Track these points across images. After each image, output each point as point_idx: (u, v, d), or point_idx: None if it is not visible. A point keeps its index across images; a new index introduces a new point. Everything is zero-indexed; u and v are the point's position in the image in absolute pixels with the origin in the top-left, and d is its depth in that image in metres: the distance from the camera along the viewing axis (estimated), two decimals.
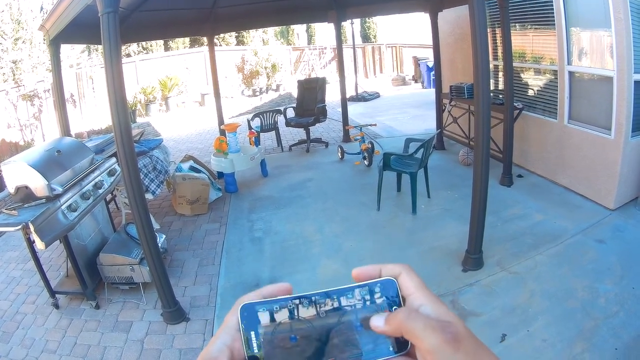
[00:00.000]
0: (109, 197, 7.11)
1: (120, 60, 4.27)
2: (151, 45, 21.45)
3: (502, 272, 5.06)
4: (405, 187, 7.20)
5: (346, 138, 11.25)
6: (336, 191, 7.86)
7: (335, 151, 9.86)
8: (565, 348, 3.85)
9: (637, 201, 6.64)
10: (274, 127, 10.93)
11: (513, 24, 8.03)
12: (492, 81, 9.15)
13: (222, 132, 9.36)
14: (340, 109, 11.81)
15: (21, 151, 12.82)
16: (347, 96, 11.95)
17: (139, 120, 16.61)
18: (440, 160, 9.04)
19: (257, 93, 21.06)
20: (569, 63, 7.15)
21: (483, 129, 4.89)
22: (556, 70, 7.42)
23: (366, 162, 8.90)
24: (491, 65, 9.03)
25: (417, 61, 24.48)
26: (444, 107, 9.95)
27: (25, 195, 4.63)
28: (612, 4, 6.22)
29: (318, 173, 8.89)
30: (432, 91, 20.51)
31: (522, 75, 8.39)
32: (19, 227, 4.21)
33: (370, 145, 8.97)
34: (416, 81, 24.63)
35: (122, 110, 4.25)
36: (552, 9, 7.27)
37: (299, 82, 11.62)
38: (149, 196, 6.71)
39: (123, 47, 19.30)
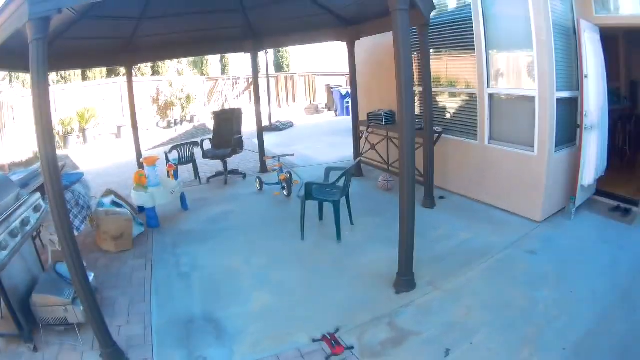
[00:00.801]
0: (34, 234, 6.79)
1: (48, 89, 4.15)
2: (69, 75, 20.78)
3: (436, 291, 5.12)
4: (327, 216, 7.22)
5: (264, 169, 11.25)
6: (258, 222, 7.77)
7: (254, 182, 9.77)
8: (513, 354, 3.94)
9: (564, 212, 7.01)
10: (192, 160, 10.79)
11: (433, 49, 8.29)
12: (418, 107, 9.37)
13: (141, 165, 9.11)
14: (255, 140, 11.83)
15: None
16: (262, 126, 11.89)
17: (57, 152, 15.88)
18: (360, 187, 9.14)
19: (172, 125, 20.76)
20: (489, 86, 7.48)
21: (407, 152, 5.01)
22: (475, 93, 7.73)
23: (285, 192, 8.86)
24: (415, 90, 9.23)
25: (330, 89, 24.78)
26: (360, 135, 10.03)
27: None
28: (535, 26, 6.56)
29: (238, 205, 8.79)
30: (345, 119, 20.98)
31: (441, 99, 8.69)
32: None
33: (288, 175, 8.97)
34: (329, 109, 24.93)
35: (49, 141, 4.16)
36: (472, 33, 7.58)
37: (215, 113, 11.54)
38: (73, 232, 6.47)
39: None
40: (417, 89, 8.52)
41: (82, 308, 4.58)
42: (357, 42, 9.75)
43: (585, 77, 6.76)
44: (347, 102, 22.39)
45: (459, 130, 8.25)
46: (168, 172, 8.81)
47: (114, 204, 7.67)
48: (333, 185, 6.71)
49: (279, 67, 30.10)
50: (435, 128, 8.09)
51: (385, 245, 5.93)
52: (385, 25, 8.23)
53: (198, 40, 10.72)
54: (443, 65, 8.59)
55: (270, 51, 25.67)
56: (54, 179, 4.12)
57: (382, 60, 9.93)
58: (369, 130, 9.78)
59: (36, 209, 5.45)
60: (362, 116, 10.09)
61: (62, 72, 19.96)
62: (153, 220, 7.93)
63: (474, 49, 7.56)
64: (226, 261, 6.38)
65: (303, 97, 26.41)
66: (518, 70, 7.22)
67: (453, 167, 8.35)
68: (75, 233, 6.45)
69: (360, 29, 9.38)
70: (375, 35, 9.26)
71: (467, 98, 8.06)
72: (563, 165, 7.06)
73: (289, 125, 20.30)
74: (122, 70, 22.14)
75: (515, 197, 7.19)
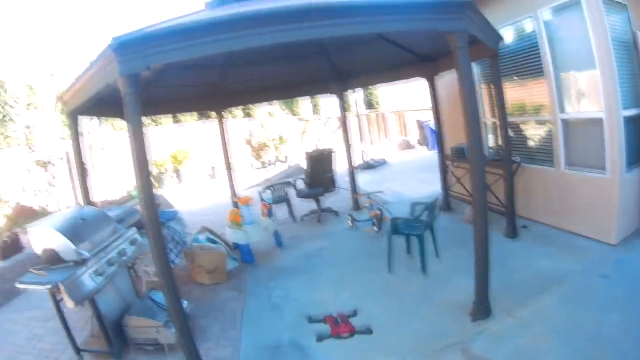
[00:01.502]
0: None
1: (143, 135, 4.72)
2: (160, 117, 21.91)
3: (510, 318, 5.27)
4: (414, 249, 7.43)
5: (355, 206, 11.57)
6: (349, 257, 8.10)
7: (346, 219, 10.15)
8: None
9: (638, 232, 6.99)
10: (285, 199, 11.29)
11: (506, 77, 8.41)
12: (492, 137, 9.52)
13: (235, 205, 9.64)
14: (347, 178, 12.18)
15: (37, 215, 13.33)
16: (355, 164, 12.34)
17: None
18: (447, 220, 9.31)
19: (266, 165, 21.56)
20: (562, 111, 7.55)
21: (479, 184, 5.30)
22: (550, 120, 7.80)
23: (376, 229, 9.15)
24: (489, 122, 9.41)
25: (420, 124, 24.89)
26: (447, 169, 10.27)
27: (51, 258, 4.99)
28: (595, 45, 6.64)
29: (331, 241, 9.14)
30: (436, 153, 21.01)
31: (518, 128, 8.77)
32: (50, 286, 4.60)
33: (379, 212, 9.26)
34: (421, 144, 24.98)
35: (146, 182, 4.72)
36: (540, 59, 7.71)
37: (307, 154, 11.99)
38: None
39: None
40: (492, 120, 8.71)
41: (173, 330, 5.07)
42: (438, 77, 10.06)
43: None
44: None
45: (538, 158, 8.32)
46: (262, 210, 9.29)
47: (209, 240, 8.23)
48: (417, 219, 7.00)
49: (369, 105, 30.56)
50: (513, 158, 8.20)
51: (467, 276, 6.02)
52: None
53: (284, 84, 11.34)
54: (516, 93, 8.71)
55: (360, 90, 26.13)
56: (152, 215, 4.67)
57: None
58: (454, 164, 10.00)
59: (132, 242, 6.11)
60: (448, 150, 10.35)
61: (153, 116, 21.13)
62: (247, 256, 8.40)
63: (543, 74, 7.68)
64: (316, 294, 6.73)
65: (395, 133, 26.71)
66: (585, 92, 7.27)
67: (535, 195, 8.38)
68: (172, 266, 7.00)
69: (438, 65, 9.67)
70: (454, 70, 9.50)
71: (542, 125, 8.15)
72: (636, 185, 7.06)
73: (381, 162, 20.52)
74: (213, 113, 23.24)
75: (591, 222, 7.19)
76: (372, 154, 21.95)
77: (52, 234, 5.00)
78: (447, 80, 10.32)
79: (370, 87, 29.49)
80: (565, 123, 7.54)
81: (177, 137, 20.30)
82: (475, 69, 9.58)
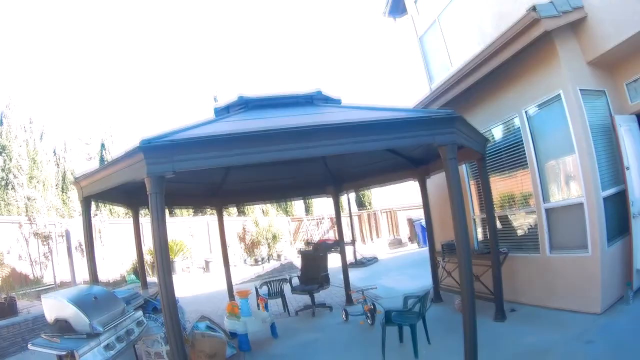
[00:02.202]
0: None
1: (165, 229, 5.29)
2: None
3: None
4: (406, 338, 7.67)
5: (349, 301, 11.78)
6: (344, 348, 8.31)
7: (340, 314, 10.38)
8: None
9: (622, 297, 7.45)
10: (281, 294, 11.58)
11: (493, 172, 9.12)
12: (481, 231, 9.97)
13: (232, 297, 9.95)
14: (341, 275, 12.49)
15: (31, 283, 13.53)
16: (347, 262, 12.69)
17: (148, 279, 16.92)
18: (439, 311, 9.59)
19: (259, 262, 21.76)
20: (545, 201, 8.13)
21: (466, 275, 5.84)
22: (534, 211, 8.36)
23: (369, 321, 9.39)
24: (478, 217, 9.90)
25: (411, 222, 25.32)
26: (438, 264, 10.66)
27: (62, 328, 5.31)
28: (575, 138, 7.33)
29: (325, 333, 9.34)
30: (427, 250, 21.35)
31: (506, 219, 9.33)
32: (65, 352, 4.90)
33: (372, 306, 9.54)
34: (412, 241, 25.33)
35: (167, 270, 5.33)
36: (524, 153, 8.42)
37: (302, 252, 12.43)
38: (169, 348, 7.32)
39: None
40: (480, 215, 9.24)
41: None
42: (428, 178, 10.60)
43: (627, 168, 7.51)
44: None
45: (523, 246, 8.85)
46: (260, 304, 9.63)
47: (209, 328, 8.48)
48: (410, 310, 7.34)
49: (361, 204, 31.10)
50: (501, 249, 8.68)
51: (458, 357, 6.32)
52: None
53: (282, 186, 11.97)
54: (503, 186, 9.33)
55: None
56: (170, 301, 5.24)
57: None
58: (445, 259, 10.40)
59: (139, 323, 6.45)
60: (438, 246, 10.78)
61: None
62: (245, 345, 8.59)
63: (527, 166, 8.35)
64: None
65: (386, 231, 27.12)
66: (567, 180, 7.86)
67: (522, 280, 8.81)
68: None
69: (429, 168, 10.30)
70: (443, 171, 10.08)
71: (527, 215, 8.71)
72: (617, 256, 7.55)
73: (373, 260, 20.84)
74: (209, 209, 23.75)
75: (576, 296, 7.60)
76: (363, 251, 22.32)
77: (66, 306, 5.32)
78: (437, 180, 10.85)
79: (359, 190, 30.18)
80: (549, 212, 8.13)
81: (173, 230, 20.24)
82: (465, 168, 10.15)
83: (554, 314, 7.86)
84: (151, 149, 5.03)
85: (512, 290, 8.78)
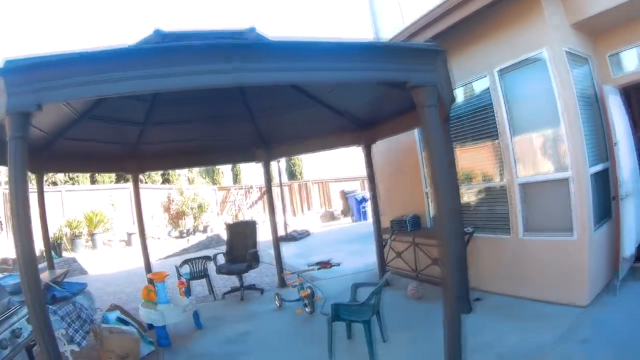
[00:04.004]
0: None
1: (27, 191, 3.86)
2: (77, 176, 20.47)
3: None
4: (356, 333, 6.44)
5: (282, 283, 10.46)
6: (281, 344, 6.96)
7: (272, 298, 8.99)
8: None
9: (608, 287, 6.64)
10: (205, 275, 10.15)
11: (456, 143, 7.90)
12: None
13: (150, 280, 8.50)
14: (271, 251, 11.19)
15: None
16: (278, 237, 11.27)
17: (65, 254, 15.38)
18: (388, 297, 8.09)
19: (184, 234, 20.25)
20: (518, 175, 7.08)
21: (450, 261, 4.58)
22: (504, 186, 7.32)
23: (308, 310, 8.07)
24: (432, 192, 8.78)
25: (345, 195, 24.51)
26: (384, 242, 9.38)
27: None
28: (561, 102, 6.35)
29: (257, 324, 7.98)
30: (363, 224, 20.64)
31: (469, 196, 8.19)
32: None
33: (309, 291, 8.18)
34: (345, 215, 24.59)
35: (28, 252, 3.79)
36: (495, 120, 7.28)
37: (228, 225, 10.94)
38: (74, 347, 5.97)
39: (50, 175, 18.78)
40: None
41: None
42: (374, 144, 9.35)
43: (616, 144, 6.65)
44: (364, 207, 22.12)
45: (491, 226, 7.75)
46: (179, 289, 8.10)
47: (120, 320, 7.10)
48: (363, 304, 5.99)
49: (292, 175, 29.94)
50: (465, 229, 7.56)
51: None
52: (402, 125, 8.03)
53: (207, 149, 10.47)
54: (467, 159, 8.16)
55: (282, 159, 25.60)
56: (35, 295, 3.75)
57: (400, 162, 9.57)
58: (393, 237, 9.18)
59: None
60: (385, 222, 9.56)
61: (69, 173, 19.68)
62: (163, 340, 7.23)
63: (498, 137, 7.27)
64: None
65: (318, 205, 26.03)
66: (547, 153, 6.86)
67: (487, 265, 7.72)
68: (77, 348, 6.06)
69: (376, 131, 8.99)
70: (393, 137, 8.94)
71: (497, 191, 7.62)
72: (604, 242, 6.72)
73: (305, 234, 19.81)
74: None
75: (558, 286, 6.62)
76: (294, 225, 21.24)
77: None
78: (384, 148, 9.71)
79: (293, 156, 29.01)
80: (524, 188, 7.08)
81: (94, 199, 18.72)
82: (417, 134, 8.96)
83: (530, 305, 6.79)
84: (12, 71, 3.50)
85: (475, 276, 7.57)
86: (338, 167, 28.43)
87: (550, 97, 6.44)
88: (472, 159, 8.07)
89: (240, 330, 7.67)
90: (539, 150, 6.94)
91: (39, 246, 14.77)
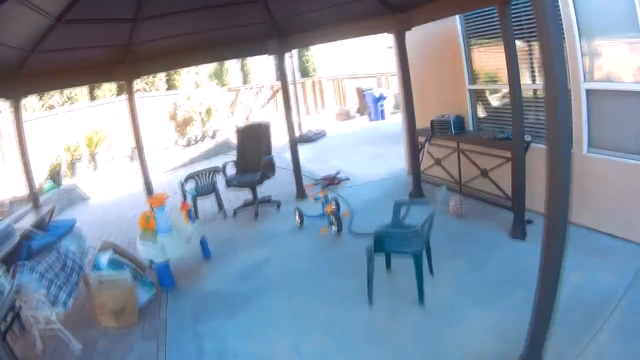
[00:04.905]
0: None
1: None
2: (75, 94, 18.99)
3: None
4: (397, 264, 5.36)
5: (300, 194, 9.29)
6: (305, 276, 5.81)
7: (291, 213, 7.76)
8: None
9: None
10: (213, 189, 8.93)
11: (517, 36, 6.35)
12: (481, 109, 7.57)
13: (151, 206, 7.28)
14: (286, 154, 10.09)
15: None
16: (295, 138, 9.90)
17: (65, 182, 14.13)
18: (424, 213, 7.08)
19: (193, 142, 18.98)
20: (585, 80, 5.63)
21: (562, 181, 3.28)
22: (569, 90, 5.72)
23: (334, 228, 6.88)
24: (475, 91, 7.47)
25: (361, 92, 23.17)
26: (420, 146, 8.06)
27: None
28: None
29: (275, 248, 6.84)
30: (382, 123, 19.35)
31: (526, 99, 6.60)
32: None
33: (335, 206, 7.02)
34: (362, 114, 23.32)
35: None
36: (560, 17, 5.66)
37: (238, 130, 9.54)
38: (59, 309, 4.87)
39: (45, 98, 17.30)
40: (492, 87, 6.87)
41: None
42: (408, 31, 7.75)
43: None
44: (382, 106, 20.76)
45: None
46: (183, 213, 6.77)
47: (113, 263, 5.78)
48: (415, 232, 4.73)
49: (304, 72, 28.34)
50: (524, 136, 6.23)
51: (483, 305, 4.42)
52: (445, 8, 6.60)
53: (211, 43, 8.92)
54: (525, 57, 6.66)
55: (295, 55, 24.02)
56: None
57: (437, 55, 8.20)
58: (430, 141, 7.88)
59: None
60: (421, 122, 8.17)
61: (67, 92, 18.22)
62: (166, 279, 6.11)
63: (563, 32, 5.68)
64: (267, 346, 4.51)
65: (332, 103, 24.63)
66: (622, 60, 5.47)
67: (542, 182, 6.31)
68: (63, 310, 4.97)
69: (412, 16, 7.43)
70: (428, 23, 7.43)
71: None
72: None
73: (321, 134, 18.56)
74: (134, 86, 20.44)
75: (621, 217, 5.50)
76: (309, 125, 20.02)
77: None
78: (418, 37, 8.14)
79: (305, 52, 27.46)
80: (591, 94, 5.69)
81: (95, 116, 17.17)
82: (459, 22, 7.52)
83: (590, 236, 5.67)
84: None
85: (528, 194, 6.33)
86: (353, 63, 26.98)
87: None
88: (533, 58, 6.64)
89: (257, 259, 6.55)
90: (613, 55, 5.58)
91: (40, 178, 13.81)
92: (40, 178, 13.64)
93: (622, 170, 5.38)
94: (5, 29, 5.51)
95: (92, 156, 16.17)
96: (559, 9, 5.59)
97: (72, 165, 15.36)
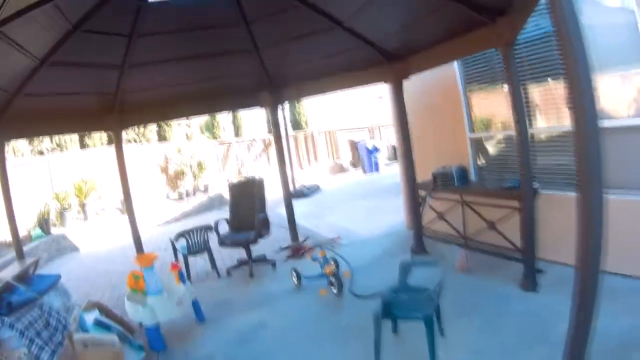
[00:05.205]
0: None
1: None
2: (65, 141, 18.74)
3: None
4: (405, 325, 4.91)
5: (296, 252, 8.80)
6: (305, 341, 5.35)
7: (287, 272, 7.36)
8: None
9: None
10: (205, 248, 8.47)
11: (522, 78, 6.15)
12: (482, 156, 7.34)
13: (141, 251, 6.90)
14: (280, 209, 9.91)
15: None
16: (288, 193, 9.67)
17: (53, 231, 13.78)
18: (431, 270, 6.65)
19: (184, 196, 18.63)
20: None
21: (595, 230, 3.00)
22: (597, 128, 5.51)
23: (334, 290, 6.44)
24: (475, 138, 7.22)
25: (354, 144, 23.09)
26: (421, 200, 7.70)
27: None
28: None
29: (273, 312, 6.37)
30: (376, 176, 19.25)
31: (535, 142, 6.47)
32: None
33: (334, 267, 6.60)
34: (355, 166, 23.21)
35: None
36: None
37: (231, 186, 9.18)
38: None
39: (35, 143, 17.21)
40: (495, 134, 6.79)
41: None
42: (406, 80, 7.55)
43: None
44: (375, 158, 20.60)
45: (559, 181, 6.16)
46: (174, 274, 6.32)
47: (99, 325, 5.43)
48: (426, 294, 4.35)
49: (296, 125, 28.25)
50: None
51: None
52: (444, 54, 6.44)
53: (202, 94, 8.73)
54: (533, 97, 6.45)
55: (287, 107, 23.96)
56: None
57: (435, 103, 8.02)
58: (432, 194, 7.53)
59: None
60: (421, 174, 7.83)
61: (57, 139, 17.94)
62: (156, 342, 5.66)
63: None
64: None
65: (325, 156, 24.44)
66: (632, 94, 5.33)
67: (551, 229, 6.12)
68: None
69: (409, 64, 7.27)
70: (426, 72, 7.23)
71: (567, 137, 5.94)
72: None
73: (315, 189, 18.31)
74: (124, 136, 20.07)
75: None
76: (302, 179, 19.83)
77: None
78: (415, 86, 7.93)
79: (297, 104, 27.43)
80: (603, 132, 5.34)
81: (85, 165, 16.85)
82: (457, 68, 7.34)
83: (608, 279, 5.28)
84: None
85: (537, 243, 5.97)
86: (345, 115, 26.97)
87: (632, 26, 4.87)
88: (538, 97, 6.40)
89: (253, 322, 6.09)
90: (623, 90, 5.40)
91: (28, 224, 13.43)
92: (29, 224, 13.47)
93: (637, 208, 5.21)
94: None
95: (82, 206, 15.88)
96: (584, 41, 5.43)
97: (61, 214, 15.04)
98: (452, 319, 4.99)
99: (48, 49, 6.02)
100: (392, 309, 4.31)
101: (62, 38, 5.95)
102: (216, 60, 7.74)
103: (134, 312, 5.78)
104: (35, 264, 6.47)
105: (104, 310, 5.84)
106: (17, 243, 7.39)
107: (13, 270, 6.00)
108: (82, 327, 5.31)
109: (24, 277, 5.60)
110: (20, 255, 7.26)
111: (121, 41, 6.67)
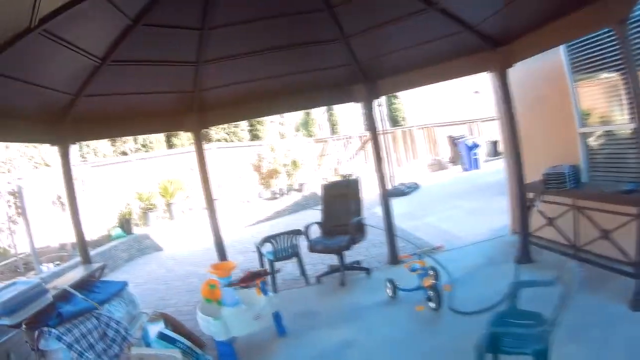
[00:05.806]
0: None
1: None
2: (151, 142, 19.05)
3: None
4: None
5: (393, 258, 8.23)
6: None
7: (382, 281, 6.77)
8: None
9: None
10: (294, 253, 8.00)
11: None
12: (608, 156, 6.49)
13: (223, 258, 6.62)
14: (376, 209, 9.46)
15: None
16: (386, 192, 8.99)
17: (135, 231, 14.03)
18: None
19: (277, 195, 18.46)
20: None
21: None
22: None
23: (432, 305, 5.82)
24: (591, 132, 6.43)
25: (453, 141, 22.35)
26: (530, 205, 6.94)
27: None
28: None
29: (361, 327, 5.80)
30: (476, 174, 18.44)
31: None
32: None
33: (434, 279, 5.97)
34: (454, 163, 22.48)
35: None
36: None
37: (324, 187, 8.69)
38: None
39: (118, 144, 18.20)
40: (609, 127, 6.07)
41: None
42: (511, 68, 6.87)
43: None
44: (475, 154, 19.91)
45: None
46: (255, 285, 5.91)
47: (162, 338, 5.09)
48: (541, 324, 3.69)
49: (394, 121, 27.75)
50: None
51: None
52: (552, 36, 5.76)
53: (287, 89, 8.26)
54: None
55: (383, 104, 23.41)
56: None
57: (540, 94, 7.23)
58: (541, 198, 6.74)
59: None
60: (531, 175, 7.05)
61: (142, 139, 18.21)
62: (227, 359, 5.26)
63: None
64: None
65: (424, 152, 23.77)
66: None
67: None
68: None
69: (513, 50, 6.57)
70: (529, 59, 6.53)
71: None
72: None
73: (413, 187, 17.72)
74: (214, 135, 19.97)
75: None
76: (401, 177, 19.34)
77: None
78: (519, 76, 7.18)
79: (394, 100, 26.84)
80: None
81: (171, 165, 17.07)
82: (564, 54, 6.50)
83: None
84: None
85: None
86: (442, 110, 26.20)
87: None
88: None
89: (339, 339, 5.56)
90: None
91: (108, 225, 13.57)
92: (110, 224, 13.78)
93: None
94: (49, 70, 5.29)
95: (168, 206, 16.00)
96: None
97: (144, 214, 15.25)
98: (559, 346, 4.26)
99: (107, 46, 5.79)
100: (499, 342, 3.65)
101: (122, 33, 5.70)
102: (300, 52, 7.30)
103: (205, 325, 5.46)
104: (101, 269, 6.25)
105: (170, 322, 5.56)
106: (83, 247, 7.26)
107: (77, 274, 5.78)
108: (145, 340, 5.16)
109: (86, 284, 5.35)
110: (87, 260, 7.11)
111: (192, 35, 6.36)
